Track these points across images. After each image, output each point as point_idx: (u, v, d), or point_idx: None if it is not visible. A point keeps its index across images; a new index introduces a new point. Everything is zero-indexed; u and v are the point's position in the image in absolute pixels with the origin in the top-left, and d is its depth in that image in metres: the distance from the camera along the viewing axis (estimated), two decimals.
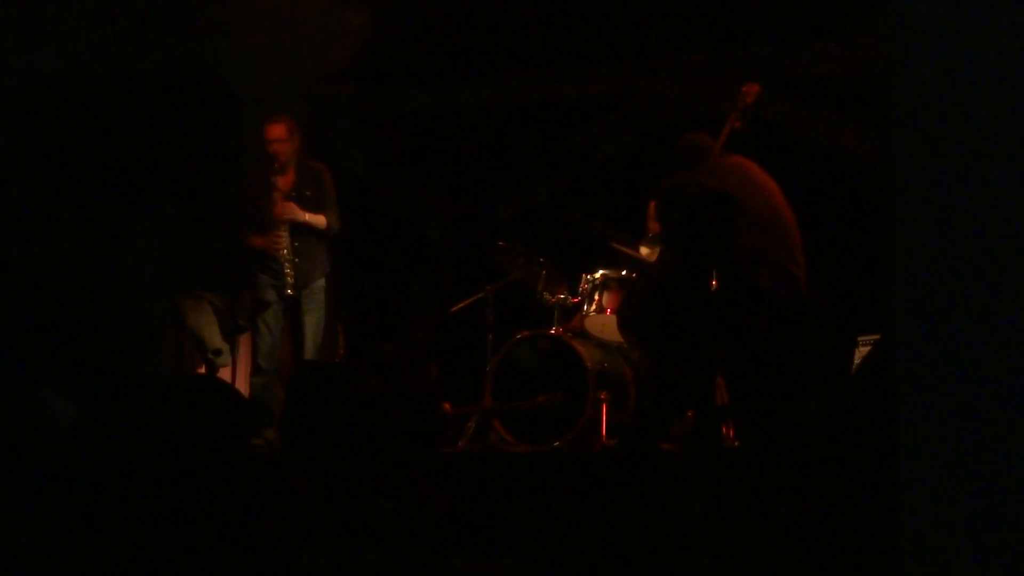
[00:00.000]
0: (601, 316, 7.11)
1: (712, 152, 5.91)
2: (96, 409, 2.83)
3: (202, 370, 7.62)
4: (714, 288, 5.55)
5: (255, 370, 7.09)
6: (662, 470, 5.26)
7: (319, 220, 6.99)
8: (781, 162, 6.25)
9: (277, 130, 7.04)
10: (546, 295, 7.32)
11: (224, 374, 7.46)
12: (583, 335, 7.20)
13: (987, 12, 2.15)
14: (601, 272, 7.16)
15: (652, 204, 7.06)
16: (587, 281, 7.20)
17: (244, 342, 7.37)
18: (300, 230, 7.01)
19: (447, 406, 7.11)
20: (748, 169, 5.95)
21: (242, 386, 7.23)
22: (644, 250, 6.87)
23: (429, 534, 2.77)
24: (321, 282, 7.12)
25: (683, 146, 6.11)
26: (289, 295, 6.98)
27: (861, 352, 6.41)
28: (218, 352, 7.41)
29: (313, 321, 7.05)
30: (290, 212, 6.94)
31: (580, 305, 7.22)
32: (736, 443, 6.09)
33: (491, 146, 9.56)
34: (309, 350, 7.02)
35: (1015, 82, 2.13)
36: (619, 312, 6.66)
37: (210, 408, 2.53)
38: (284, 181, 7.02)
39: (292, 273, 6.93)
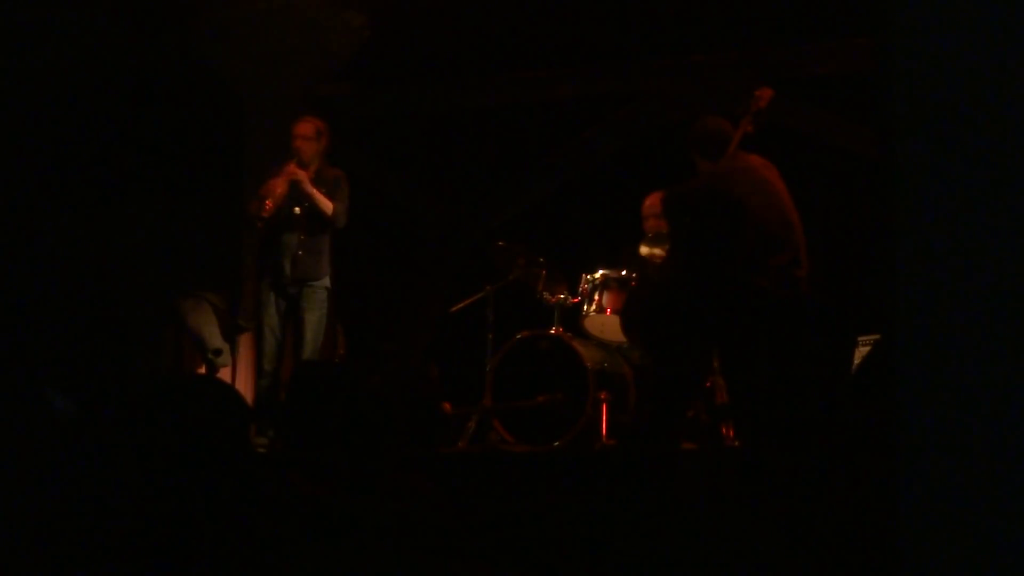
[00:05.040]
0: (601, 316, 7.11)
1: (729, 145, 5.89)
2: (96, 409, 2.83)
3: (202, 370, 7.62)
4: (714, 288, 5.56)
5: (259, 373, 7.07)
6: (663, 470, 5.26)
7: (326, 202, 6.96)
8: (782, 162, 6.24)
9: (304, 127, 7.09)
10: (546, 295, 7.32)
11: (224, 374, 7.46)
12: (583, 335, 7.20)
13: (986, 12, 2.15)
14: (601, 272, 7.16)
15: (647, 203, 7.06)
16: (587, 281, 7.20)
17: (244, 342, 7.37)
18: (307, 225, 7.00)
19: (447, 406, 7.11)
20: (758, 170, 5.93)
21: (242, 386, 7.23)
22: (644, 250, 6.87)
23: (429, 534, 2.76)
24: (324, 283, 7.10)
25: (702, 131, 6.03)
26: (288, 292, 6.98)
27: (861, 352, 6.41)
28: (218, 352, 7.41)
29: (313, 320, 7.03)
30: (302, 175, 6.93)
31: (580, 305, 7.22)
32: (736, 443, 6.09)
33: (491, 146, 9.55)
34: (308, 349, 6.99)
35: (1015, 82, 2.13)
36: (623, 314, 6.66)
37: (209, 408, 2.53)
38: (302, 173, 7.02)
39: (269, 206, 6.88)
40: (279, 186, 6.93)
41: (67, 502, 2.46)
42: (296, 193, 6.96)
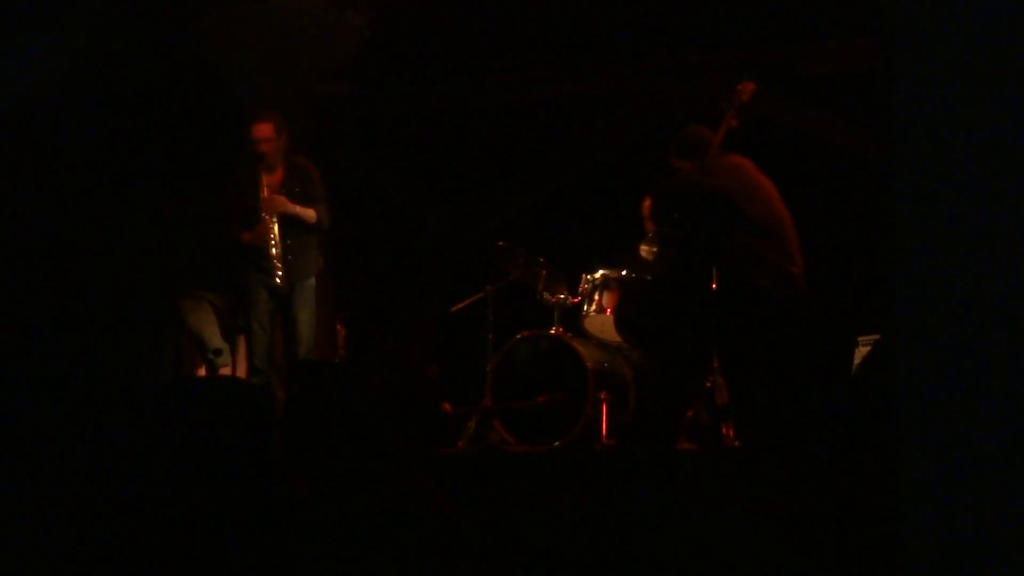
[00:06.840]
0: (601, 316, 7.11)
1: (711, 149, 5.93)
2: (121, 412, 2.82)
3: (202, 371, 7.61)
4: (713, 288, 5.56)
5: (252, 371, 7.07)
6: (663, 470, 5.26)
7: (309, 213, 7.01)
8: (781, 162, 6.25)
9: (263, 129, 7.09)
10: (546, 295, 7.32)
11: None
12: (583, 335, 7.20)
13: (987, 12, 2.15)
14: (601, 272, 7.16)
15: (648, 203, 7.06)
16: (587, 281, 7.20)
17: (244, 342, 7.36)
18: (292, 227, 7.02)
19: (447, 406, 7.12)
20: (745, 169, 5.95)
21: None
22: (644, 250, 6.87)
23: (429, 534, 2.76)
24: (311, 280, 7.13)
25: (685, 137, 6.12)
26: (280, 293, 6.99)
27: (861, 352, 6.41)
28: (218, 352, 7.41)
29: (306, 318, 7.05)
30: (280, 204, 6.96)
31: (580, 305, 7.22)
32: (736, 443, 6.09)
33: (491, 146, 9.55)
34: (303, 347, 7.01)
35: (1015, 82, 2.12)
36: (616, 312, 6.66)
37: (243, 411, 2.53)
38: (273, 178, 7.05)
39: (281, 266, 6.93)
40: (266, 232, 6.94)
41: (86, 504, 2.46)
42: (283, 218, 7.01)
